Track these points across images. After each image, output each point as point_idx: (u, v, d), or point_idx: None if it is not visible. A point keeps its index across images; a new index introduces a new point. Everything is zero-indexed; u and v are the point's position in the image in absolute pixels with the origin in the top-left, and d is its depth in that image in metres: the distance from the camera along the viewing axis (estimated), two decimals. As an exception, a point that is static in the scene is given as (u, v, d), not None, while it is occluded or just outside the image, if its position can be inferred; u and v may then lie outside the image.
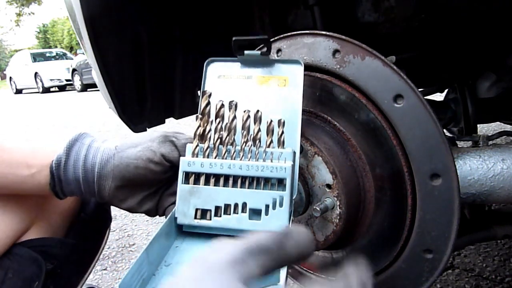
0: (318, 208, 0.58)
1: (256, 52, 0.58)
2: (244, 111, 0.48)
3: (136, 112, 1.01)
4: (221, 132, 0.47)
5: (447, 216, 0.52)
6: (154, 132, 0.59)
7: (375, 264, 0.63)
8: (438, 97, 1.11)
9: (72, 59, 14.00)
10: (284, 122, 0.51)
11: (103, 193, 0.55)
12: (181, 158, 0.51)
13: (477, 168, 0.60)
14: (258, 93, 0.59)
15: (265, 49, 0.57)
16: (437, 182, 0.52)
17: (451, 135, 0.97)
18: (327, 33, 0.60)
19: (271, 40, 0.67)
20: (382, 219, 0.61)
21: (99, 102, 6.14)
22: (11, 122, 5.74)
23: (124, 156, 0.55)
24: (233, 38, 0.56)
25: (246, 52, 0.58)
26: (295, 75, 0.58)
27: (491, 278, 1.14)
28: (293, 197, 0.54)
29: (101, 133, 4.09)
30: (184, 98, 1.08)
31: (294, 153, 0.51)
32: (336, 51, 0.59)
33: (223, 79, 0.61)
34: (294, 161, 0.50)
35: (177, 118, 1.13)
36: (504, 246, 1.31)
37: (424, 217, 0.54)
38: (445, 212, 0.52)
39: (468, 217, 0.75)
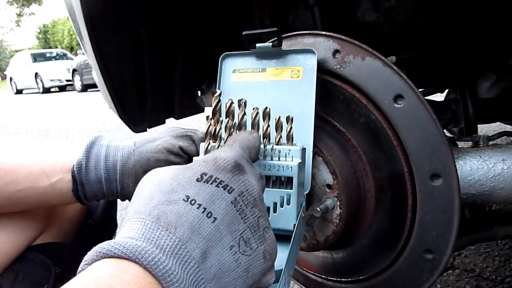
0: (318, 209, 0.58)
1: (268, 44, 0.58)
2: (253, 109, 0.48)
3: (136, 112, 1.01)
4: (232, 130, 0.47)
5: (447, 217, 0.52)
6: (171, 127, 0.60)
7: (375, 264, 0.63)
8: (438, 97, 1.10)
9: (72, 59, 14.01)
10: (292, 119, 0.51)
11: (126, 190, 0.56)
12: (194, 158, 0.52)
13: (477, 168, 0.60)
14: (272, 86, 0.59)
15: (276, 41, 0.57)
16: (437, 182, 0.52)
17: (451, 135, 0.96)
18: (327, 33, 0.60)
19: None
20: (382, 220, 0.61)
21: (99, 102, 6.14)
22: (12, 122, 5.74)
23: (144, 150, 0.55)
24: (244, 33, 0.57)
25: (257, 45, 0.58)
26: (308, 65, 0.58)
27: (491, 278, 1.14)
28: (306, 192, 0.54)
29: (101, 133, 4.08)
30: (184, 98, 1.08)
31: (304, 149, 0.51)
32: (336, 51, 0.59)
33: (237, 73, 0.61)
34: (303, 158, 0.50)
35: (177, 118, 1.13)
36: (505, 246, 1.31)
37: (424, 217, 0.54)
38: (445, 212, 0.52)
39: (468, 218, 0.75)
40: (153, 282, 0.27)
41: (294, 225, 0.48)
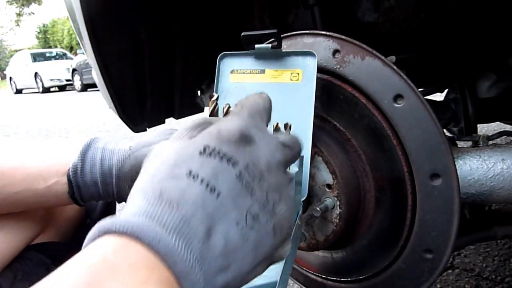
0: (318, 208, 0.58)
1: (267, 45, 0.56)
2: None
3: (136, 112, 1.01)
4: None
5: (447, 216, 0.52)
6: (168, 130, 0.59)
7: (375, 264, 0.63)
8: (438, 97, 1.10)
9: (72, 59, 14.00)
10: (290, 126, 0.50)
11: (122, 193, 0.56)
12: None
13: (477, 168, 0.60)
14: (270, 88, 0.57)
15: (275, 43, 0.56)
16: (437, 182, 0.52)
17: (451, 135, 0.96)
18: (327, 33, 0.60)
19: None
20: (382, 219, 0.61)
21: (99, 102, 6.14)
22: (12, 122, 5.73)
23: (140, 155, 0.55)
24: (242, 34, 0.55)
25: (256, 46, 0.56)
26: (309, 67, 0.56)
27: (491, 278, 1.14)
28: (303, 199, 0.54)
29: (101, 133, 4.09)
30: (184, 98, 1.08)
31: (301, 157, 0.50)
32: (336, 51, 0.59)
33: (236, 74, 0.60)
34: (301, 166, 0.49)
35: (177, 118, 1.14)
36: (504, 246, 1.31)
37: (424, 217, 0.54)
38: (445, 212, 0.52)
39: (468, 217, 0.75)
40: (155, 259, 0.27)
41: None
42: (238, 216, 0.31)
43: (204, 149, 0.33)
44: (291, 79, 0.57)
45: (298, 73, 0.56)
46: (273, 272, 0.46)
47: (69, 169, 0.54)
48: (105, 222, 0.28)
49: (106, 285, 0.24)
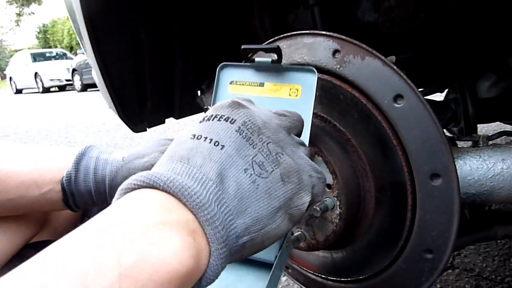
0: (318, 208, 0.58)
1: (267, 59, 0.55)
2: None
3: (136, 112, 1.01)
4: None
5: (447, 216, 0.52)
6: (161, 141, 0.59)
7: (375, 264, 0.63)
8: (438, 97, 1.10)
9: (72, 59, 14.01)
10: None
11: None
12: None
13: (477, 168, 0.60)
14: (268, 103, 0.56)
15: (275, 57, 0.55)
16: (437, 182, 0.52)
17: (451, 135, 0.96)
18: (327, 33, 0.60)
19: (271, 40, 0.67)
20: (382, 219, 0.61)
21: (99, 102, 6.14)
22: (12, 122, 5.73)
23: (132, 167, 0.55)
24: (242, 47, 0.55)
25: (256, 59, 0.56)
26: (308, 85, 0.54)
27: (491, 278, 1.14)
28: None
29: (101, 133, 4.09)
30: (184, 98, 1.08)
31: None
32: (336, 51, 0.59)
33: (235, 85, 0.59)
34: None
35: (177, 118, 1.14)
36: (504, 246, 1.31)
37: (424, 217, 0.54)
38: (445, 212, 0.52)
39: (468, 217, 0.75)
40: (173, 202, 0.29)
41: (276, 256, 0.46)
42: (245, 164, 0.34)
43: (203, 118, 0.38)
44: (289, 95, 0.55)
45: (297, 89, 0.55)
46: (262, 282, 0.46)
47: (63, 177, 0.55)
48: (123, 184, 0.31)
49: (122, 228, 0.26)
